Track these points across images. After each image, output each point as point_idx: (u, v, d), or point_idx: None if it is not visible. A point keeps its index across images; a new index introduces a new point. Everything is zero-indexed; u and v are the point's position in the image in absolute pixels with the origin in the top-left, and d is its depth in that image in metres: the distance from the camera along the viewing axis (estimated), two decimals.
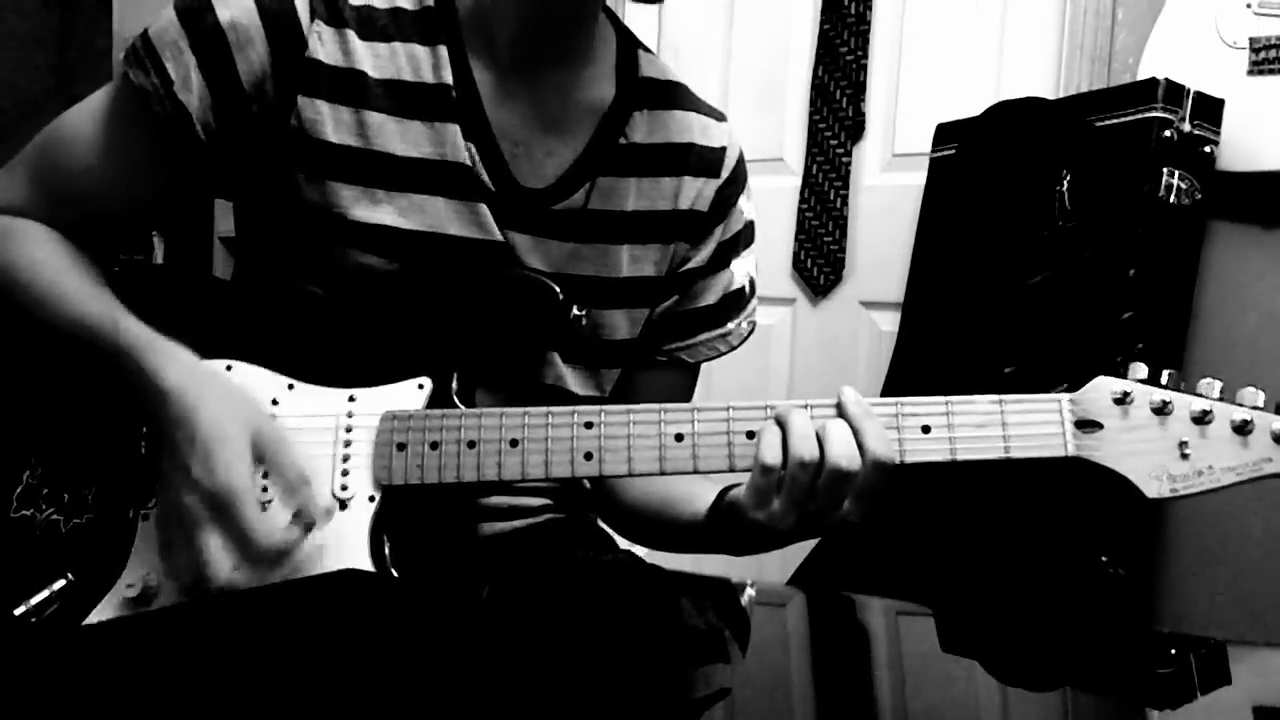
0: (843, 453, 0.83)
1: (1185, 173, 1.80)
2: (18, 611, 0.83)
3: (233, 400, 0.83)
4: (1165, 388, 0.84)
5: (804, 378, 2.54)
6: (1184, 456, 0.82)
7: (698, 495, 0.98)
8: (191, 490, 0.78)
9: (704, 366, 1.13)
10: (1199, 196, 1.82)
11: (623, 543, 1.13)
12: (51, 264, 0.91)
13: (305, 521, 0.81)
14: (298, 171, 0.91)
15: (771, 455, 0.84)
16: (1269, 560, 1.89)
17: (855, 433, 0.84)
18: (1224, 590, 1.94)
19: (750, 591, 0.96)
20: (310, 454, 0.87)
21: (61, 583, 0.85)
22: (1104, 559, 1.72)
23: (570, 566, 1.04)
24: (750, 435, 0.86)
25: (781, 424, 0.85)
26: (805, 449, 0.83)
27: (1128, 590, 1.74)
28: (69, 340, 0.87)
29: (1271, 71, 1.82)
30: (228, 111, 0.90)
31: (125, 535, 0.86)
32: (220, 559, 0.78)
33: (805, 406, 0.86)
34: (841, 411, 0.86)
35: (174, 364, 0.83)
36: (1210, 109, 1.82)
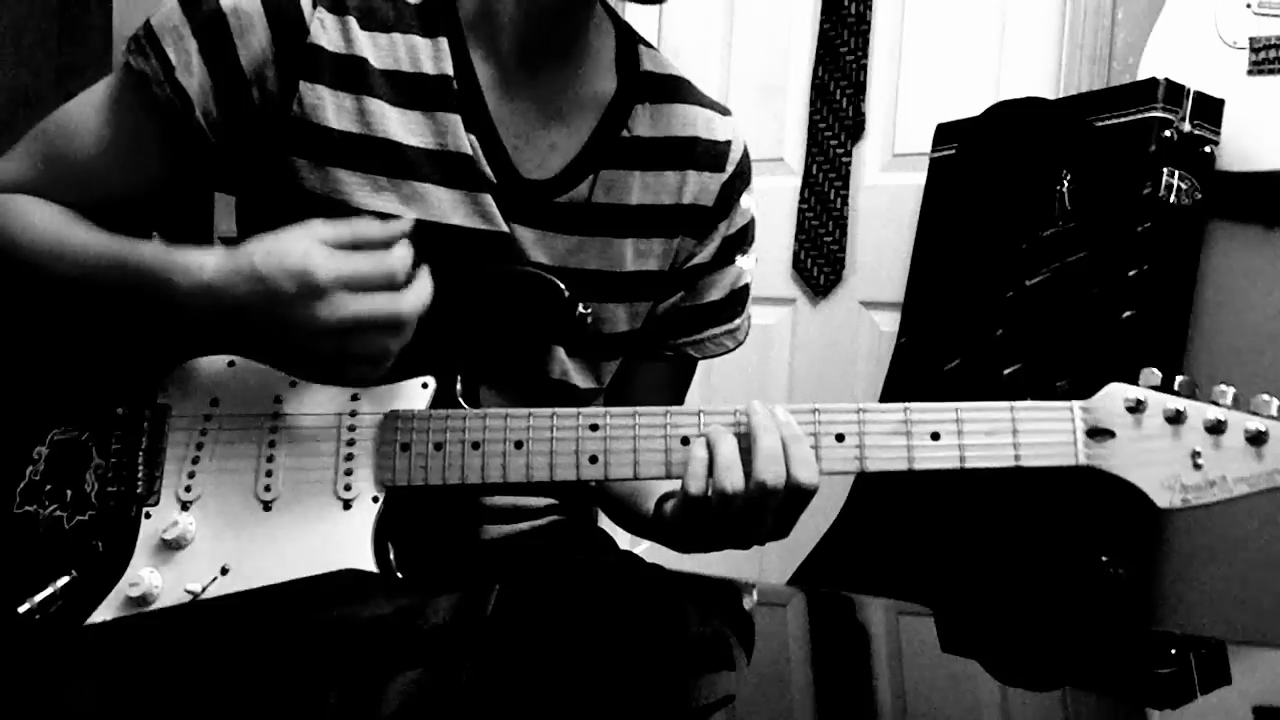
0: (763, 483, 0.83)
1: (1185, 173, 1.80)
2: (21, 609, 0.83)
3: (269, 244, 0.81)
4: (1178, 395, 0.83)
5: (804, 378, 2.55)
6: (1197, 466, 0.81)
7: (654, 492, 0.99)
8: (308, 303, 0.78)
9: (704, 366, 1.13)
10: (1199, 196, 1.82)
11: (624, 544, 1.13)
12: (53, 219, 0.91)
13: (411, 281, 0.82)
14: (300, 158, 0.92)
15: (696, 485, 0.84)
16: (1269, 560, 1.89)
17: (785, 456, 0.84)
18: (1224, 590, 1.94)
19: (753, 594, 0.97)
20: (313, 453, 0.87)
21: (65, 580, 0.85)
22: (1104, 559, 1.73)
23: (572, 568, 1.05)
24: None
25: (710, 447, 0.84)
26: (730, 480, 0.83)
27: (1128, 590, 1.74)
28: (90, 284, 0.87)
29: (1271, 71, 1.82)
30: (229, 97, 0.91)
31: (129, 533, 0.86)
32: (395, 301, 0.79)
33: (733, 417, 0.86)
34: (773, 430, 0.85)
35: (202, 257, 0.82)
36: (1210, 109, 1.82)
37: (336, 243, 0.80)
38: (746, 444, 0.84)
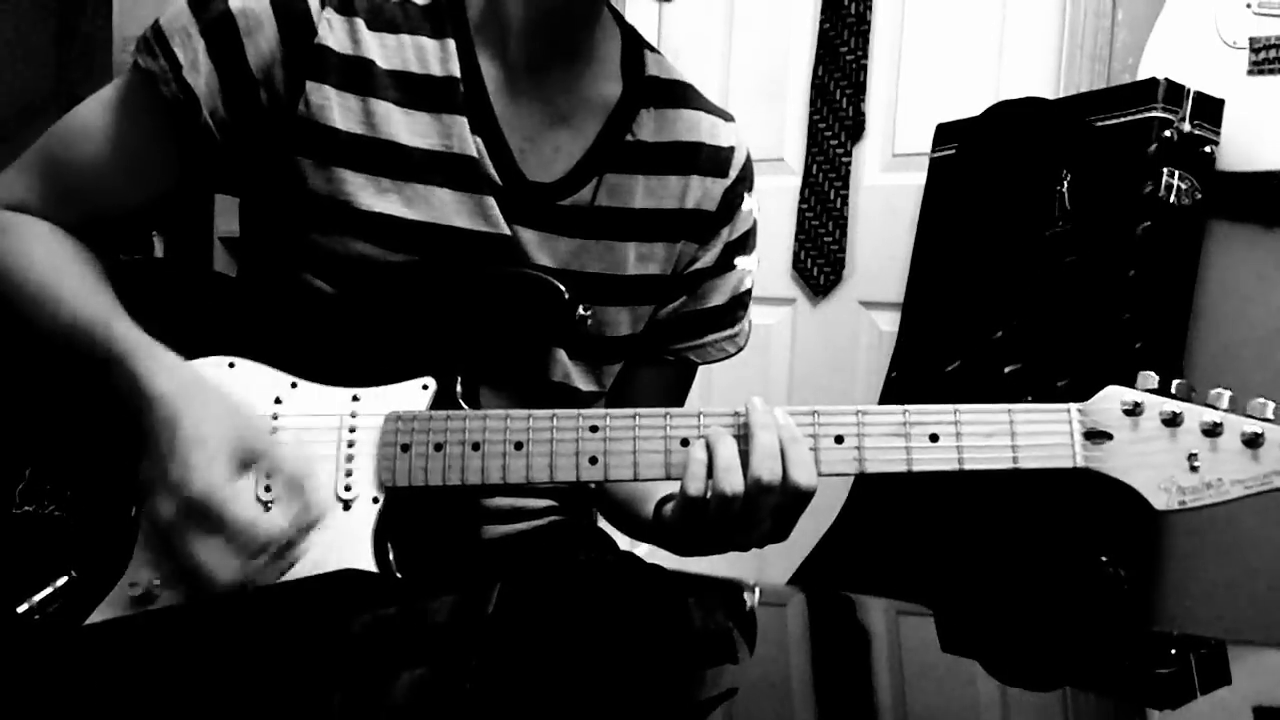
0: (761, 487, 0.83)
1: (1185, 173, 1.80)
2: (20, 609, 0.83)
3: (219, 406, 0.82)
4: (1175, 398, 0.84)
5: (804, 378, 2.55)
6: (1193, 469, 0.82)
7: (653, 496, 0.99)
8: (170, 497, 0.77)
9: (704, 366, 1.13)
10: (1199, 196, 1.82)
11: (624, 544, 1.13)
12: (48, 263, 0.91)
13: (308, 518, 0.81)
14: (305, 158, 0.92)
15: (696, 487, 0.84)
16: (1268, 560, 1.89)
17: (781, 458, 0.84)
18: (1224, 590, 1.94)
19: (754, 593, 0.97)
20: (313, 454, 0.87)
21: (64, 580, 0.85)
22: (1104, 559, 1.73)
23: (572, 568, 1.05)
24: None
25: (710, 449, 0.84)
26: (729, 482, 0.83)
27: (1128, 590, 1.74)
28: (61, 345, 0.87)
29: (1271, 71, 1.82)
30: (236, 97, 0.91)
31: (128, 533, 0.86)
32: (214, 562, 0.77)
33: (731, 419, 0.86)
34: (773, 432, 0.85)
35: (162, 372, 0.82)
36: (1210, 109, 1.82)
37: (251, 464, 0.80)
38: (745, 446, 0.84)
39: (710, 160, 1.05)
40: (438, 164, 0.94)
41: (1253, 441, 0.81)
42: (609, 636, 0.83)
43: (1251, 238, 1.94)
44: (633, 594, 0.99)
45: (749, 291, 1.12)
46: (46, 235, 0.93)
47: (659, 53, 1.07)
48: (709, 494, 0.83)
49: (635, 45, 1.04)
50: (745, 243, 1.10)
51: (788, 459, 0.84)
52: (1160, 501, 0.82)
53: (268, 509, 0.85)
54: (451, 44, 0.94)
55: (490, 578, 0.97)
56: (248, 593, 0.79)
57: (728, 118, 1.08)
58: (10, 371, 0.93)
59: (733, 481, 0.83)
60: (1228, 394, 0.83)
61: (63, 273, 0.91)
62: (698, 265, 1.06)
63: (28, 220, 0.94)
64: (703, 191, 1.04)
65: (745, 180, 1.08)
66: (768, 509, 0.84)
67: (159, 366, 0.83)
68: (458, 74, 0.94)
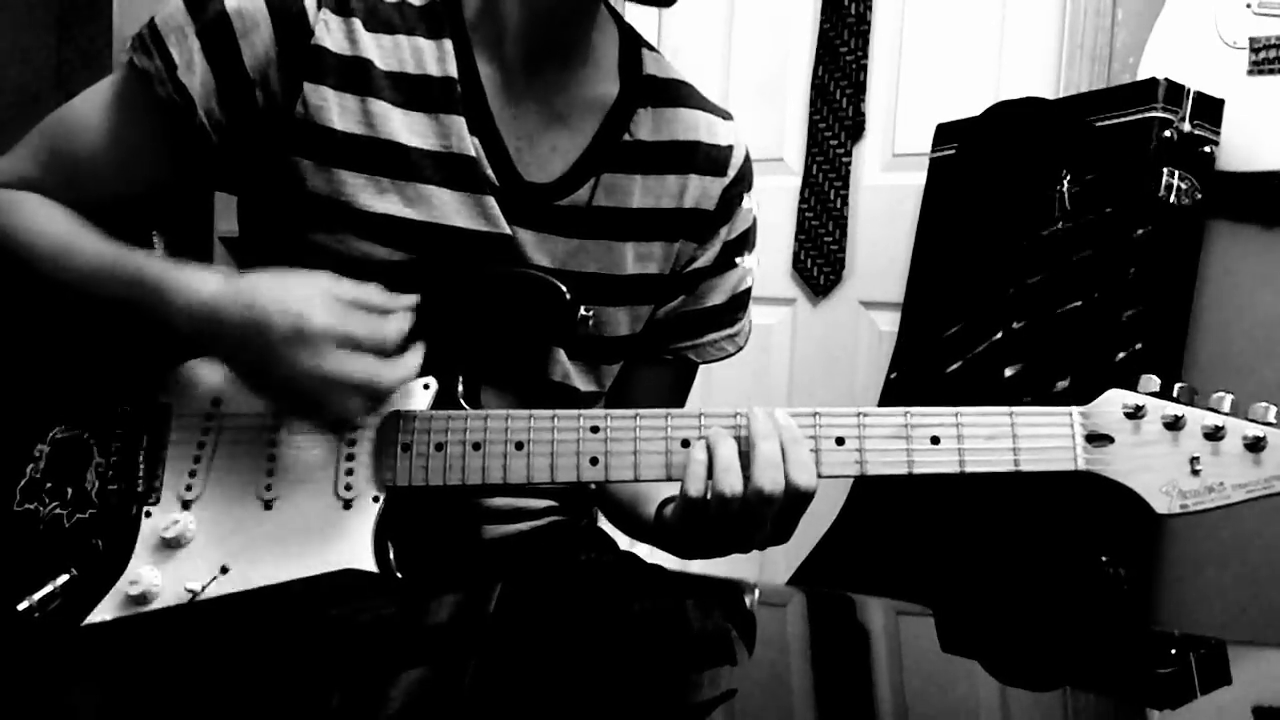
0: (762, 488, 0.83)
1: (1185, 173, 1.80)
2: (21, 606, 0.83)
3: (275, 281, 0.84)
4: (1177, 401, 0.83)
5: (804, 378, 2.55)
6: (1195, 473, 0.82)
7: (654, 498, 0.99)
8: (295, 348, 0.79)
9: (704, 366, 1.13)
10: (1199, 196, 1.82)
11: (624, 544, 1.13)
12: (59, 222, 0.92)
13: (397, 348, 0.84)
14: (304, 159, 0.92)
15: (696, 487, 0.83)
16: (1268, 560, 1.89)
17: (783, 459, 0.84)
18: (1224, 590, 1.94)
19: (754, 593, 0.97)
20: (313, 453, 0.87)
21: (64, 578, 0.85)
22: (1104, 559, 1.73)
23: (573, 568, 1.05)
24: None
25: (710, 450, 0.84)
26: (728, 483, 0.82)
27: (1128, 590, 1.74)
28: (90, 293, 0.88)
29: (1271, 71, 1.82)
30: (231, 97, 0.90)
31: (129, 531, 0.86)
32: (371, 368, 0.81)
33: (733, 420, 0.86)
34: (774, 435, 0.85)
35: (204, 277, 0.84)
36: (1210, 109, 1.82)
37: (340, 299, 0.83)
38: (746, 448, 0.84)
39: (708, 159, 1.05)
40: (437, 164, 0.94)
41: (1255, 445, 0.81)
42: (609, 637, 0.83)
43: (1251, 238, 1.94)
44: (633, 594, 0.99)
45: (748, 291, 1.11)
46: (47, 204, 0.93)
47: (657, 51, 1.07)
48: (709, 495, 0.83)
49: (633, 44, 1.04)
50: (744, 242, 1.09)
51: (788, 460, 0.83)
52: (1162, 505, 0.82)
53: (269, 507, 0.86)
54: (448, 44, 0.94)
55: (490, 578, 0.97)
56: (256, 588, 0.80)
57: (726, 116, 1.08)
58: (12, 370, 0.93)
59: (732, 483, 0.82)
60: (1229, 397, 0.82)
61: (75, 230, 0.91)
62: (696, 265, 1.06)
63: (24, 193, 0.94)
64: (701, 191, 1.04)
65: (744, 179, 1.08)
66: (769, 514, 0.84)
67: (196, 275, 0.84)
68: (455, 74, 0.94)
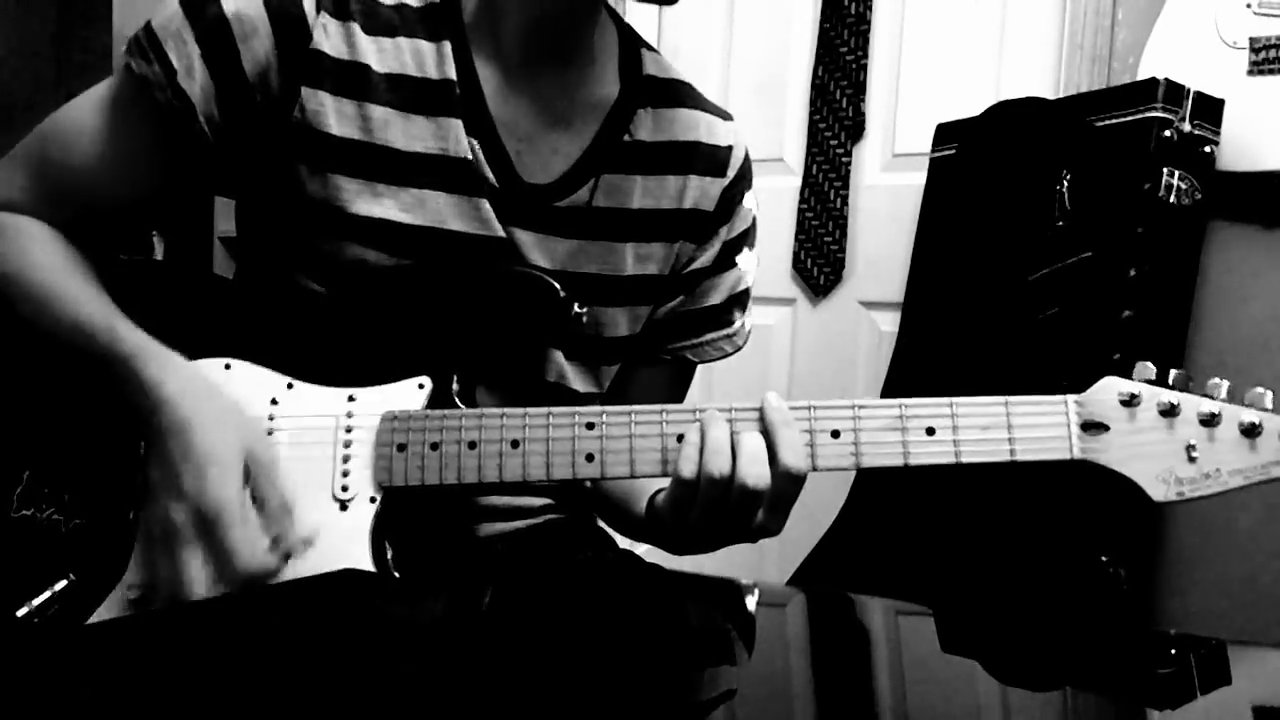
0: (749, 470, 0.82)
1: (1185, 173, 1.80)
2: (20, 613, 0.82)
3: (229, 415, 0.82)
4: (1172, 388, 0.83)
5: (804, 378, 2.55)
6: (1191, 459, 0.81)
7: (645, 492, 0.98)
8: (180, 503, 0.78)
9: (703, 366, 1.13)
10: (1199, 196, 1.82)
11: (623, 543, 1.13)
12: (47, 264, 0.91)
13: (283, 551, 0.81)
14: (300, 164, 0.91)
15: (688, 468, 0.83)
16: (1269, 560, 1.89)
17: (770, 442, 0.84)
18: (1224, 590, 1.94)
19: (754, 594, 0.97)
20: (310, 455, 0.87)
21: (63, 583, 0.85)
22: (1104, 559, 1.72)
23: (571, 567, 1.04)
24: None
25: (702, 434, 0.84)
26: (717, 465, 0.83)
27: (1128, 590, 1.74)
28: (63, 345, 0.87)
29: (1271, 71, 1.82)
30: (231, 102, 0.90)
31: (126, 536, 0.86)
32: (199, 576, 0.77)
33: (728, 411, 0.86)
34: (761, 418, 0.85)
35: (170, 374, 0.83)
36: (1210, 109, 1.82)
37: (255, 467, 0.80)
38: (736, 438, 0.84)
39: (708, 159, 1.04)
40: (433, 167, 0.93)
41: (1250, 431, 0.80)
42: (608, 636, 0.83)
43: (1251, 238, 1.94)
44: (632, 593, 0.99)
45: (747, 291, 1.11)
46: (42, 236, 0.93)
47: (657, 52, 1.07)
48: (699, 478, 0.83)
49: (632, 45, 1.04)
50: (744, 241, 1.09)
51: (779, 442, 0.83)
52: (1158, 493, 0.82)
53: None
54: (447, 46, 0.94)
55: (488, 576, 0.97)
56: (254, 588, 0.79)
57: (726, 116, 1.08)
58: (7, 374, 0.93)
59: (721, 465, 0.82)
60: (1225, 384, 0.82)
61: (62, 274, 0.90)
62: (696, 265, 1.06)
63: (22, 220, 0.93)
64: (700, 191, 1.04)
65: (744, 179, 1.08)
66: (762, 502, 0.84)
67: (166, 369, 0.83)
68: (454, 76, 0.94)
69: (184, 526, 0.77)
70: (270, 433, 0.88)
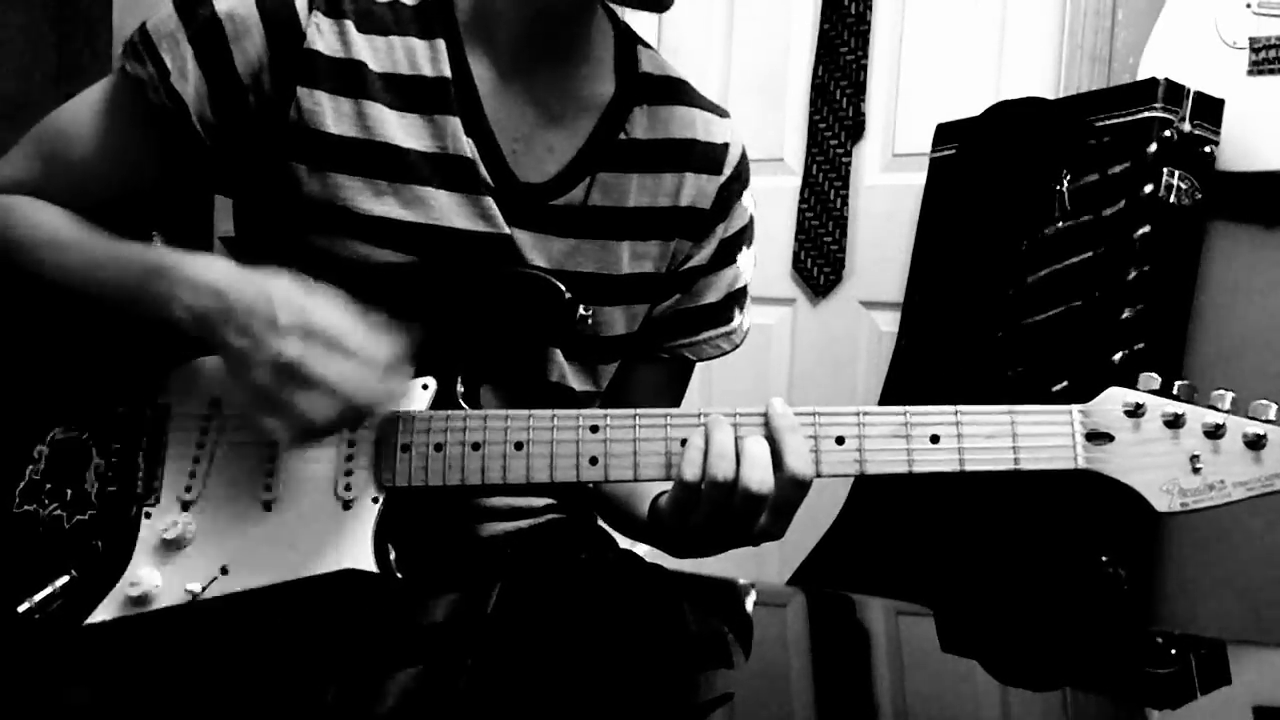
0: (753, 475, 0.82)
1: (1185, 173, 1.80)
2: (21, 608, 0.83)
3: (282, 277, 0.83)
4: (1177, 399, 0.83)
5: (804, 378, 2.55)
6: (1195, 470, 0.82)
7: (647, 495, 0.98)
8: (288, 338, 0.78)
9: (704, 366, 1.13)
10: (1199, 196, 1.82)
11: (624, 543, 1.13)
12: (62, 221, 0.92)
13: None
14: (299, 164, 0.92)
15: (691, 472, 0.83)
16: (1269, 560, 1.89)
17: (775, 447, 0.83)
18: (1224, 590, 1.94)
19: (754, 594, 0.97)
20: (313, 454, 0.87)
21: (64, 580, 0.85)
22: (1104, 559, 1.73)
23: (572, 567, 1.05)
24: None
25: (706, 438, 0.84)
26: (721, 469, 0.82)
27: (1128, 590, 1.74)
28: (101, 282, 0.87)
29: (1271, 71, 1.82)
30: (225, 103, 0.90)
31: (129, 533, 0.86)
32: (356, 379, 0.79)
33: (733, 415, 0.86)
34: (766, 424, 0.85)
35: (218, 262, 0.83)
36: (1210, 109, 1.82)
37: (349, 306, 0.82)
38: (739, 443, 0.84)
39: (704, 157, 1.04)
40: (433, 165, 0.93)
41: (1255, 443, 0.81)
42: (609, 635, 0.83)
43: (1251, 238, 1.94)
44: (632, 593, 0.99)
45: (745, 288, 1.11)
46: (47, 205, 0.93)
47: (653, 49, 1.07)
48: (703, 481, 0.83)
49: (629, 42, 1.04)
50: (741, 239, 1.09)
51: (785, 448, 0.83)
52: (1162, 503, 0.82)
53: (269, 508, 0.86)
54: (441, 44, 0.94)
55: (490, 576, 0.97)
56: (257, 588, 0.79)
57: (722, 114, 1.08)
58: (11, 371, 0.93)
59: (725, 469, 0.82)
60: (1230, 395, 0.82)
61: (73, 224, 0.92)
62: (693, 262, 1.06)
63: (26, 198, 0.94)
64: (697, 189, 1.04)
65: (740, 177, 1.08)
66: (766, 505, 0.84)
67: (203, 260, 0.84)
68: (448, 74, 0.94)
69: (305, 354, 0.78)
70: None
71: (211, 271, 0.83)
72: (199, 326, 0.83)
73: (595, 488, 1.09)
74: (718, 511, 0.84)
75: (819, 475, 0.85)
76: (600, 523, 1.14)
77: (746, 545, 0.87)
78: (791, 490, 0.83)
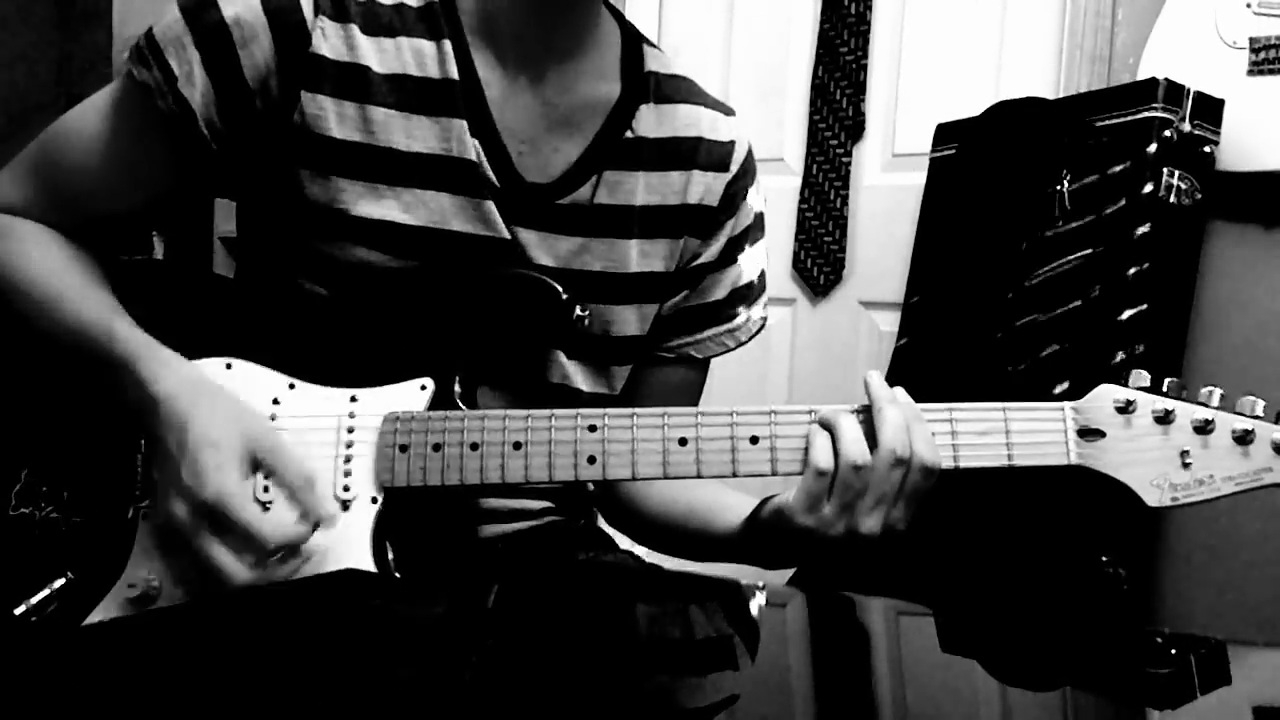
0: (894, 446, 0.83)
1: (1185, 173, 1.80)
2: (18, 610, 0.82)
3: (226, 407, 0.83)
4: (1167, 395, 0.84)
5: (804, 378, 2.54)
6: (1185, 465, 0.83)
7: (728, 505, 0.99)
8: (183, 500, 0.78)
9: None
10: (1199, 196, 1.82)
11: (623, 543, 1.13)
12: (46, 267, 0.91)
13: (312, 520, 0.82)
14: (302, 168, 0.92)
15: (825, 459, 0.84)
16: (1268, 560, 1.89)
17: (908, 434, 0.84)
18: (1224, 590, 1.94)
19: (760, 596, 0.97)
20: (312, 455, 0.87)
21: (61, 581, 0.85)
22: (1104, 559, 1.73)
23: (572, 567, 1.04)
24: (754, 441, 0.86)
25: (830, 428, 0.85)
26: (857, 452, 0.83)
27: (1128, 590, 1.74)
28: (63, 347, 0.88)
29: (1271, 71, 1.82)
30: (231, 108, 0.90)
31: (125, 534, 0.86)
32: (229, 563, 0.78)
33: (856, 412, 0.87)
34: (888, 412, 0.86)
35: (167, 373, 0.83)
36: (1210, 109, 1.82)
37: (261, 460, 0.81)
38: (868, 425, 0.85)
39: (711, 155, 1.04)
40: (436, 168, 0.93)
41: (1243, 438, 0.82)
42: (609, 636, 0.83)
43: (1251, 238, 1.94)
44: (633, 593, 0.99)
45: (751, 285, 1.11)
46: (44, 238, 0.93)
47: (658, 48, 1.06)
48: (838, 469, 0.83)
49: (634, 42, 1.04)
50: (748, 236, 1.09)
51: (913, 434, 0.84)
52: (1153, 498, 0.84)
53: (266, 509, 0.85)
54: (448, 45, 0.94)
55: (488, 577, 0.97)
56: (256, 588, 0.79)
57: (728, 112, 1.08)
58: (6, 373, 0.93)
59: (861, 451, 0.83)
60: (1218, 392, 0.84)
61: (62, 275, 0.91)
62: (701, 260, 1.06)
63: (23, 223, 0.94)
64: (704, 187, 1.04)
65: (747, 174, 1.08)
66: (900, 487, 0.84)
67: (163, 367, 0.84)
68: (455, 75, 0.94)
69: (190, 520, 0.78)
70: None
71: (161, 384, 0.82)
72: (142, 431, 0.85)
73: (650, 512, 1.08)
74: (852, 498, 0.84)
75: (820, 473, 0.85)
76: (599, 524, 1.14)
77: (868, 544, 0.87)
78: (922, 479, 0.84)
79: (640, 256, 1.02)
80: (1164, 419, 0.83)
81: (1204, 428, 0.82)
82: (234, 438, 0.80)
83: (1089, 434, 0.85)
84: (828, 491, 0.84)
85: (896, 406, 0.86)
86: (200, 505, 0.78)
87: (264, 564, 0.79)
